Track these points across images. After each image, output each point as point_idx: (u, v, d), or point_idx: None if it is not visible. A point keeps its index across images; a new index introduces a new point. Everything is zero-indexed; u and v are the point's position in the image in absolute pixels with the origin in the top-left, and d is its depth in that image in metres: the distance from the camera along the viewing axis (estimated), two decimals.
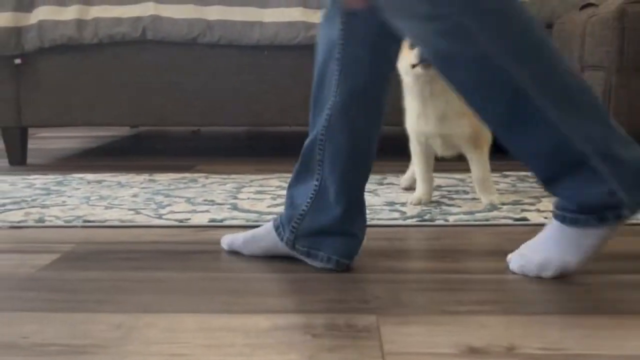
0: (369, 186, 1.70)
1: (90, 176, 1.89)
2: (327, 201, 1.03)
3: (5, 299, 0.90)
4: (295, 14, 2.16)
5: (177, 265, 1.06)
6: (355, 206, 1.04)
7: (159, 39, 2.13)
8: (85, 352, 0.72)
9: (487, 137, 1.47)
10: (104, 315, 0.84)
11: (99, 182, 1.81)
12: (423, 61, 1.34)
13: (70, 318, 0.83)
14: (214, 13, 2.14)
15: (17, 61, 2.09)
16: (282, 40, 2.14)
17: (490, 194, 1.47)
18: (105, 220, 1.35)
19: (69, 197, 1.60)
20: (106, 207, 1.48)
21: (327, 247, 1.03)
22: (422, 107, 1.43)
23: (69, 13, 2.09)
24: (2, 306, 0.87)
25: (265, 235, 1.09)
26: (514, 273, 0.99)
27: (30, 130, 2.36)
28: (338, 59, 1.00)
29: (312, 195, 1.04)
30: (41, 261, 1.07)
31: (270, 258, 1.09)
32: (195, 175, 1.91)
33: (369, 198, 1.54)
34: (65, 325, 0.80)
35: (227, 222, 1.33)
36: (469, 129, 1.42)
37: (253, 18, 2.15)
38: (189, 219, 1.36)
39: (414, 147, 1.52)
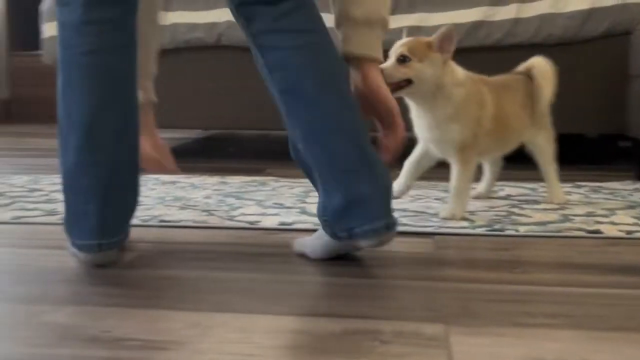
0: (437, 193, 1.70)
1: (164, 177, 1.95)
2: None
3: (89, 294, 0.95)
4: None
5: (248, 266, 1.09)
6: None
7: (234, 45, 2.19)
8: (163, 348, 0.76)
9: (475, 147, 1.42)
10: (181, 313, 0.87)
11: (173, 183, 1.87)
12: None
13: (149, 314, 0.87)
14: None
15: None
16: None
17: (454, 208, 1.41)
18: (180, 221, 1.40)
19: (145, 197, 1.66)
20: (180, 208, 1.53)
21: (356, 219, 1.04)
22: (416, 112, 1.43)
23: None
24: (86, 300, 0.92)
25: (323, 236, 1.12)
26: (573, 286, 0.97)
27: None
28: None
29: (315, 180, 1.10)
30: (123, 259, 1.12)
31: (338, 262, 1.10)
32: (266, 178, 1.95)
33: (436, 206, 1.53)
34: (145, 321, 0.84)
35: (296, 226, 1.36)
36: (458, 136, 1.39)
37: None
38: (260, 221, 1.40)
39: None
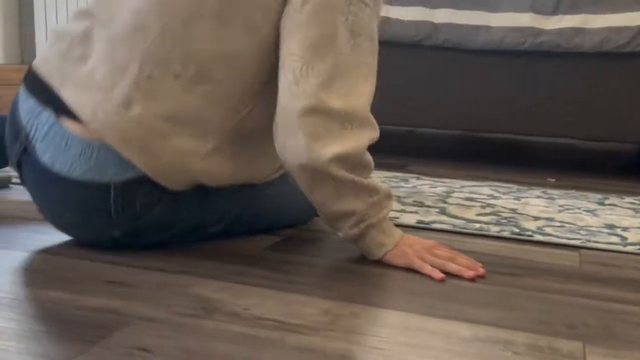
0: (588, 205, 1.61)
1: None
2: None
3: (231, 272, 1.00)
4: (524, 19, 2.10)
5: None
6: None
7: (386, 40, 2.20)
8: (296, 332, 0.79)
9: None
10: (315, 300, 0.90)
11: None
12: None
13: (286, 297, 0.91)
14: (441, 16, 2.16)
15: None
16: (507, 46, 2.10)
17: None
18: None
19: None
20: None
21: None
22: None
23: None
24: (228, 278, 0.98)
25: None
26: None
27: None
28: None
29: None
30: (266, 242, 1.18)
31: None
32: (407, 175, 1.95)
33: (586, 218, 1.46)
34: (281, 303, 0.88)
35: (434, 226, 1.35)
36: None
37: (480, 22, 2.13)
38: (398, 218, 1.40)
39: None
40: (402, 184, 1.80)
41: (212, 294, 0.90)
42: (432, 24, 2.15)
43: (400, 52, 2.22)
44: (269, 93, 1.05)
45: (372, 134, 1.05)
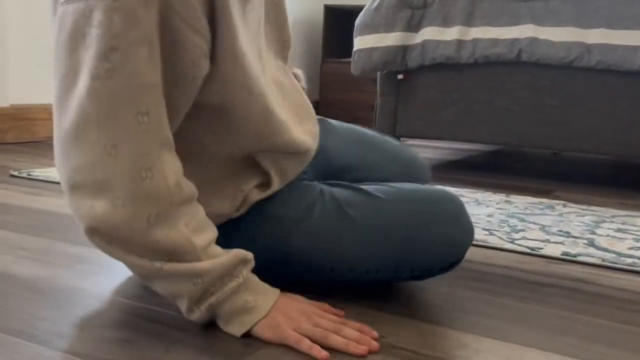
0: None
1: (449, 189, 1.99)
2: None
3: (369, 299, 1.02)
4: None
5: (525, 294, 1.07)
6: None
7: (534, 61, 2.14)
8: None
9: None
10: (453, 332, 0.89)
11: (459, 196, 1.90)
12: None
13: (421, 327, 0.91)
14: (595, 36, 2.06)
15: (400, 77, 2.31)
16: None
17: None
18: None
19: None
20: None
21: None
22: None
23: (451, 34, 2.22)
24: (367, 305, 0.99)
25: None
26: None
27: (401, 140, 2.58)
28: None
29: None
30: None
31: (625, 303, 1.03)
32: (553, 201, 1.87)
33: None
34: (417, 332, 0.89)
35: (581, 259, 1.29)
36: None
37: (637, 42, 2.01)
38: (542, 248, 1.35)
39: None
40: (548, 211, 1.74)
41: (350, 318, 0.92)
42: (585, 44, 2.06)
43: (548, 74, 2.15)
44: None
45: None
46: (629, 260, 1.28)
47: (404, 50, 2.28)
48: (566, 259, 1.29)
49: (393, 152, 1.22)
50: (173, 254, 0.78)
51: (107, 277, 1.04)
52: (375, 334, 0.85)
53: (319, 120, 1.12)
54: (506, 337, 0.89)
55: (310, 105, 1.05)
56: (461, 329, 0.91)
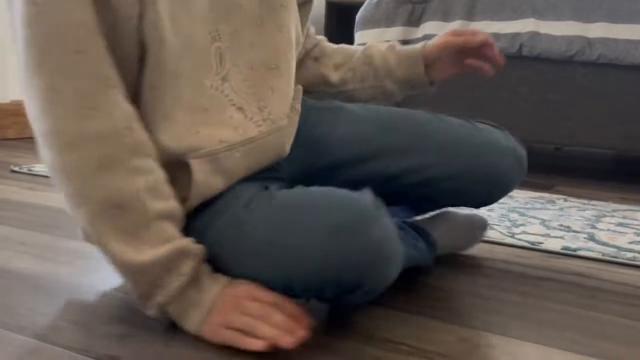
0: None
1: None
2: None
3: None
4: None
5: (525, 289, 1.07)
6: None
7: (535, 56, 2.13)
8: (430, 358, 0.79)
9: None
10: (452, 327, 0.89)
11: None
12: None
13: (420, 321, 0.91)
14: (596, 30, 2.05)
15: None
16: None
17: None
18: None
19: None
20: None
21: None
22: None
23: (452, 28, 2.22)
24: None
25: None
26: None
27: None
28: None
29: None
30: None
31: (625, 298, 1.03)
32: (554, 196, 1.87)
33: None
34: (416, 327, 0.89)
35: (581, 253, 1.29)
36: None
37: (639, 36, 2.00)
38: (542, 242, 1.35)
39: None
40: (549, 205, 1.73)
41: (348, 314, 0.92)
42: (586, 38, 2.05)
43: (550, 68, 2.14)
44: None
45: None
46: (630, 255, 1.28)
47: (405, 45, 2.27)
48: (566, 254, 1.29)
49: (442, 138, 1.00)
50: (122, 208, 0.74)
51: (107, 273, 1.04)
52: (307, 320, 0.78)
53: (329, 108, 1.03)
54: (506, 332, 0.89)
55: (287, 86, 0.93)
56: (461, 324, 0.91)
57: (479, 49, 1.12)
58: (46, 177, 1.84)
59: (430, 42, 1.14)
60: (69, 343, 0.79)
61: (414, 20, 2.26)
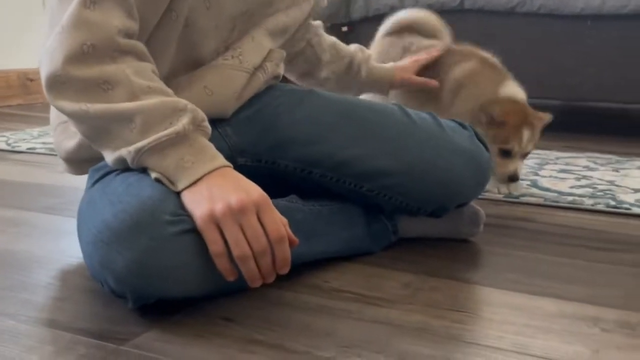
0: None
1: None
2: None
3: None
4: None
5: None
6: None
7: (477, 8, 2.13)
8: (374, 304, 0.79)
9: None
10: (395, 273, 0.90)
11: None
12: None
13: (365, 270, 0.91)
14: None
15: (344, 29, 2.28)
16: (609, 9, 1.98)
17: None
18: None
19: None
20: None
21: None
22: None
23: None
24: None
25: None
26: None
27: None
28: None
29: None
30: None
31: (565, 238, 1.05)
32: None
33: None
34: (361, 276, 0.89)
35: (523, 199, 1.31)
36: None
37: None
38: (487, 190, 1.36)
39: None
40: None
41: (295, 267, 0.91)
42: None
43: (492, 21, 2.15)
44: None
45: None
46: (570, 198, 1.30)
47: (347, 2, 2.25)
48: (510, 201, 1.31)
49: (395, 132, 0.95)
50: (106, 84, 0.73)
51: (40, 238, 1.01)
52: (284, 271, 0.75)
53: (301, 91, 0.99)
54: (451, 275, 0.89)
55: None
56: (404, 270, 0.91)
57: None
58: None
59: (398, 76, 1.34)
60: (1, 309, 0.76)
61: None
